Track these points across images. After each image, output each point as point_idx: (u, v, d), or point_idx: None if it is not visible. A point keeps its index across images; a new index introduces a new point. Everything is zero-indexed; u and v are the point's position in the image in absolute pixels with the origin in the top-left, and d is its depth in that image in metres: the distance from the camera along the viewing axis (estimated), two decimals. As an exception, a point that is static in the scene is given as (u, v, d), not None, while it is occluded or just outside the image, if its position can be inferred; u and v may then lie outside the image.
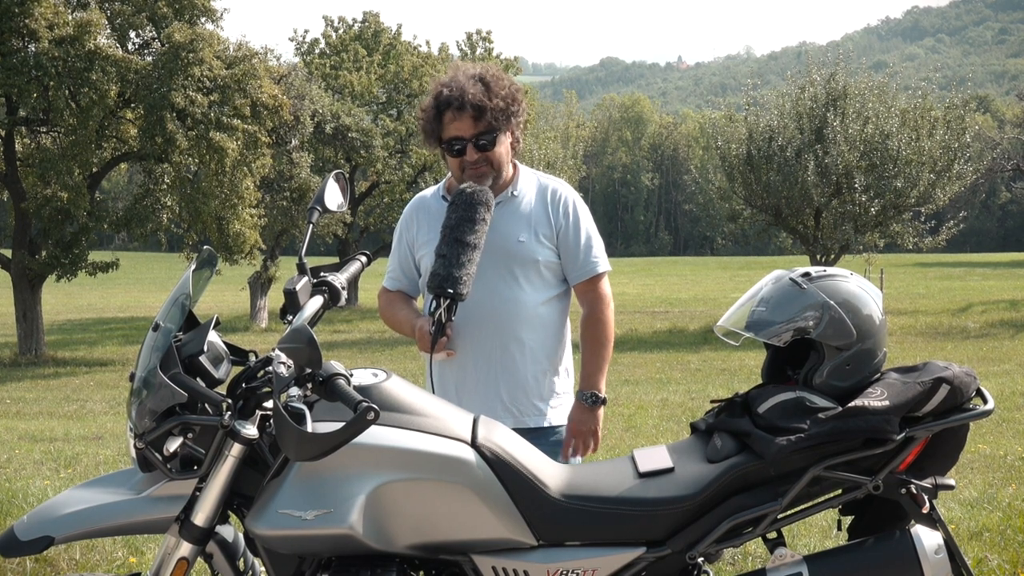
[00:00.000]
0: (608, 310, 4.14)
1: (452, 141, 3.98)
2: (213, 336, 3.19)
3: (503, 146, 4.02)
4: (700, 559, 3.12)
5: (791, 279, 3.29)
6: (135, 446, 3.02)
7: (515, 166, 4.19)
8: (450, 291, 3.69)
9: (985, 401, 3.20)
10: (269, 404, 3.05)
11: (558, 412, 4.12)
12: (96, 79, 21.85)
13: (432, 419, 3.10)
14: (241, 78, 23.75)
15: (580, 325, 4.17)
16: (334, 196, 3.53)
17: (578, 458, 4.10)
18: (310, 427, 2.71)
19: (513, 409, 4.02)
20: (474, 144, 3.95)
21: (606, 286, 4.18)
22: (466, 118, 3.92)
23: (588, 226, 4.14)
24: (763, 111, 29.28)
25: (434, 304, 3.79)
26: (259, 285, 34.66)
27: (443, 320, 3.77)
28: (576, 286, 4.14)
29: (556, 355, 4.14)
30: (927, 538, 3.12)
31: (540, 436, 3.94)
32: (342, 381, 2.80)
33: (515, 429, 3.72)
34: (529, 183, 4.16)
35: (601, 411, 4.12)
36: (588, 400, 4.06)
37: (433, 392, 3.99)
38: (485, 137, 3.95)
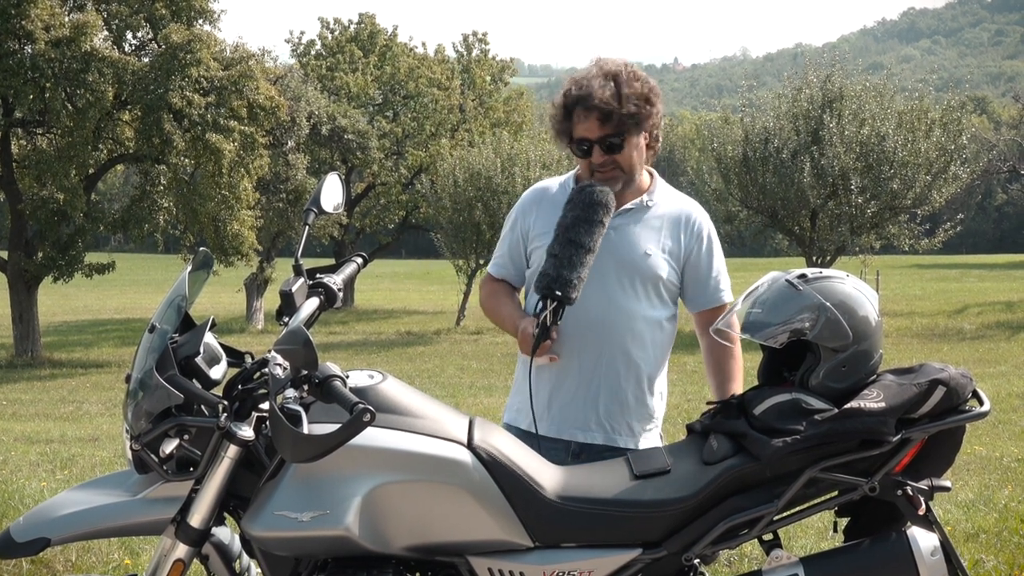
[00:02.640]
0: (738, 340, 3.85)
1: (580, 142, 3.80)
2: (209, 338, 3.19)
3: (633, 149, 3.81)
4: (696, 560, 3.12)
5: (787, 281, 3.28)
6: (131, 448, 3.02)
7: (652, 175, 4.01)
8: (558, 293, 3.55)
9: (981, 403, 3.20)
10: (265, 406, 3.05)
11: (649, 437, 3.92)
12: (92, 80, 21.87)
13: (428, 421, 3.10)
14: (238, 79, 23.77)
15: (707, 353, 3.97)
16: (330, 198, 3.50)
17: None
18: (306, 429, 2.70)
19: (607, 425, 3.83)
20: (600, 146, 3.78)
21: None
22: (592, 119, 3.74)
23: (719, 257, 3.97)
24: (759, 113, 29.27)
25: (540, 306, 3.63)
26: (255, 287, 34.68)
27: (548, 323, 3.61)
28: (700, 313, 3.96)
29: (657, 378, 3.93)
30: (923, 540, 3.12)
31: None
32: (338, 383, 2.79)
33: (604, 446, 3.68)
34: (666, 198, 3.97)
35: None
36: None
37: (531, 401, 3.80)
38: (612, 139, 3.76)
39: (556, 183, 4.03)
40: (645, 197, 3.90)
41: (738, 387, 3.89)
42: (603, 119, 3.72)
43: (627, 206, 3.86)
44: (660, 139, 3.95)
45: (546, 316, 3.58)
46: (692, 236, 3.90)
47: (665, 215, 3.91)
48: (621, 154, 3.78)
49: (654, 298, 3.85)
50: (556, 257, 3.60)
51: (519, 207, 4.09)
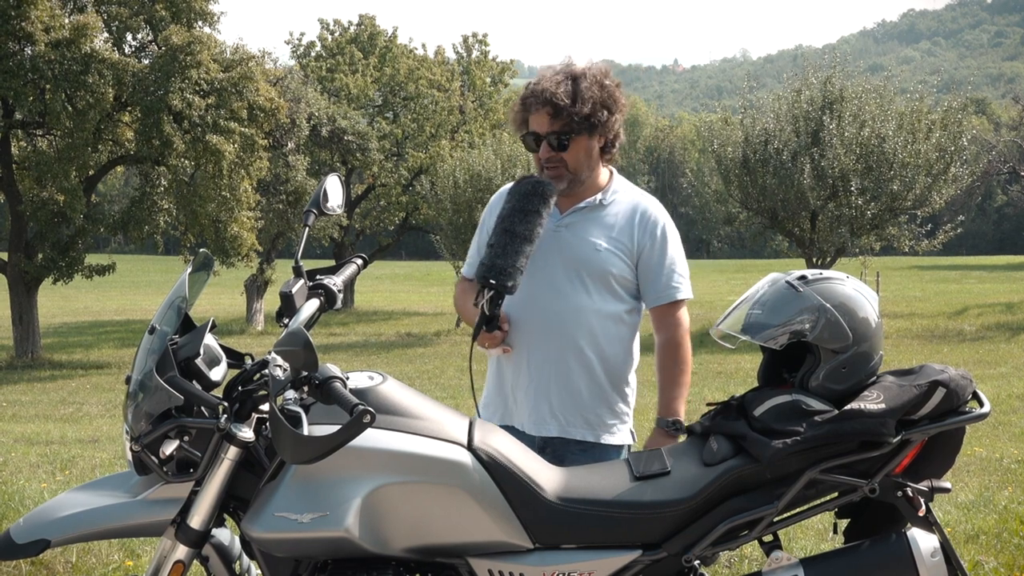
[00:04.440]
0: (686, 336, 3.97)
1: (531, 135, 3.88)
2: (209, 339, 3.19)
3: (581, 150, 3.86)
4: (696, 562, 3.12)
5: (787, 282, 3.28)
6: (131, 449, 3.02)
7: (611, 173, 4.06)
8: (493, 282, 3.61)
9: (981, 404, 3.20)
10: (265, 407, 3.05)
11: (613, 431, 3.96)
12: (93, 82, 21.87)
13: (428, 422, 3.10)
14: (238, 81, 23.78)
15: (656, 351, 3.99)
16: (330, 199, 3.49)
17: None
18: (306, 430, 2.70)
19: (560, 417, 3.88)
20: (548, 141, 3.84)
21: (684, 314, 4.01)
22: (544, 113, 3.81)
23: (674, 251, 3.99)
24: (759, 114, 29.24)
25: (479, 295, 3.69)
26: (255, 288, 34.68)
27: (486, 311, 3.68)
28: (653, 309, 3.98)
29: (617, 372, 3.97)
30: (923, 541, 3.12)
31: (588, 451, 3.86)
32: (338, 384, 2.79)
33: (561, 439, 3.70)
34: (622, 196, 4.01)
35: (681, 439, 3.90)
36: (670, 427, 3.90)
37: (472, 386, 3.93)
38: (561, 137, 3.82)
39: None
40: (600, 195, 3.96)
41: (679, 400, 3.97)
42: (554, 115, 3.79)
43: (580, 204, 3.93)
44: (617, 147, 4.00)
45: (483, 304, 3.65)
46: (645, 232, 3.94)
47: (620, 212, 3.96)
48: (567, 152, 3.85)
49: (605, 293, 3.90)
50: (492, 247, 3.68)
51: (487, 209, 4.18)
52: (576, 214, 3.91)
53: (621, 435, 3.99)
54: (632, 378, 4.06)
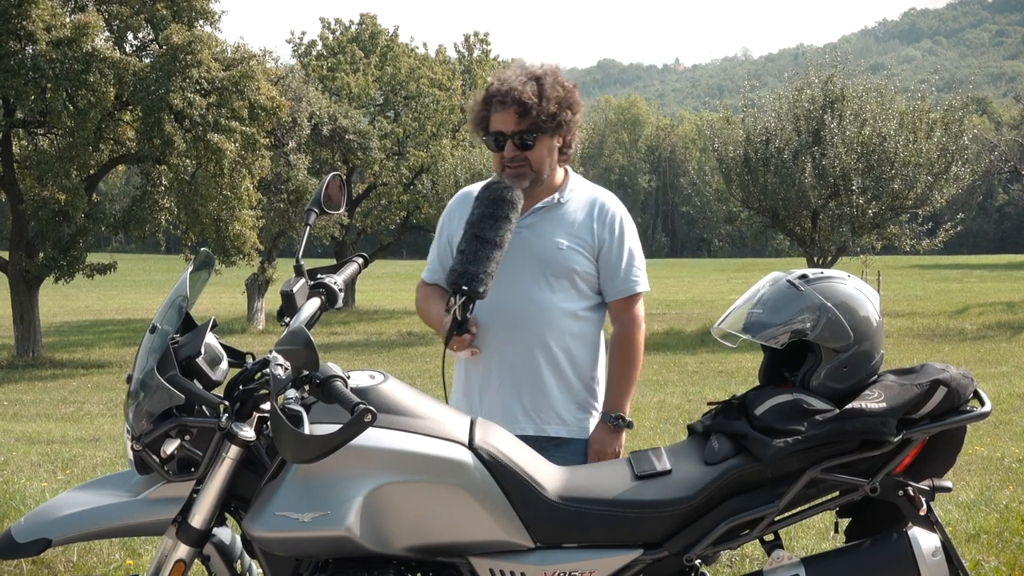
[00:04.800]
0: (640, 333, 4.04)
1: (495, 135, 3.91)
2: (210, 338, 3.19)
3: (545, 149, 3.92)
4: (697, 561, 3.12)
5: (788, 281, 3.29)
6: (132, 448, 3.02)
7: (566, 172, 4.12)
8: (465, 288, 3.64)
9: (982, 403, 3.21)
10: (266, 406, 3.05)
11: (583, 426, 4.02)
12: (94, 81, 21.84)
13: (429, 421, 3.10)
14: (239, 80, 23.75)
15: (610, 345, 4.08)
16: (331, 198, 3.51)
17: None
18: (307, 429, 2.70)
19: (534, 416, 3.94)
20: (513, 141, 3.88)
21: (640, 308, 4.08)
22: (509, 113, 3.85)
23: (632, 244, 4.06)
24: (760, 113, 29.27)
25: (450, 301, 3.72)
26: (256, 287, 34.66)
27: (458, 317, 3.72)
28: (611, 303, 4.05)
29: (585, 368, 4.03)
30: (924, 540, 3.12)
31: (562, 447, 3.90)
32: (339, 383, 2.79)
33: (536, 437, 3.72)
34: (578, 192, 4.08)
35: (624, 434, 4.02)
36: (612, 422, 3.96)
37: (444, 390, 3.95)
38: (526, 136, 3.87)
39: (478, 187, 4.09)
40: (557, 194, 4.02)
41: (626, 396, 4.02)
42: (521, 114, 3.84)
43: (539, 205, 3.98)
44: (574, 148, 4.07)
45: (455, 310, 3.68)
46: (604, 225, 4.01)
47: (578, 208, 4.03)
48: (532, 152, 3.90)
49: (570, 290, 3.97)
50: (463, 253, 3.70)
51: (445, 213, 4.24)
52: (536, 214, 3.96)
53: (590, 426, 4.05)
54: (600, 372, 4.12)
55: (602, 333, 4.13)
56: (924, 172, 26.98)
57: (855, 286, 3.29)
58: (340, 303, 3.38)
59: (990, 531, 6.21)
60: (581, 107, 4.02)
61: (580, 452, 3.97)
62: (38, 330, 25.03)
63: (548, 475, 3.19)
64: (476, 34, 47.30)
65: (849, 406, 3.08)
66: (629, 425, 4.00)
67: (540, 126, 3.86)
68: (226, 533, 3.29)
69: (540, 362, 3.94)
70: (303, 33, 46.74)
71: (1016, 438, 10.73)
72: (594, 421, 4.04)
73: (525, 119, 3.84)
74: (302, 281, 3.29)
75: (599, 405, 4.08)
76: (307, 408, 2.85)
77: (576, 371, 4.00)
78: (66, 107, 22.09)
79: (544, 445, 3.78)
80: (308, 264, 3.38)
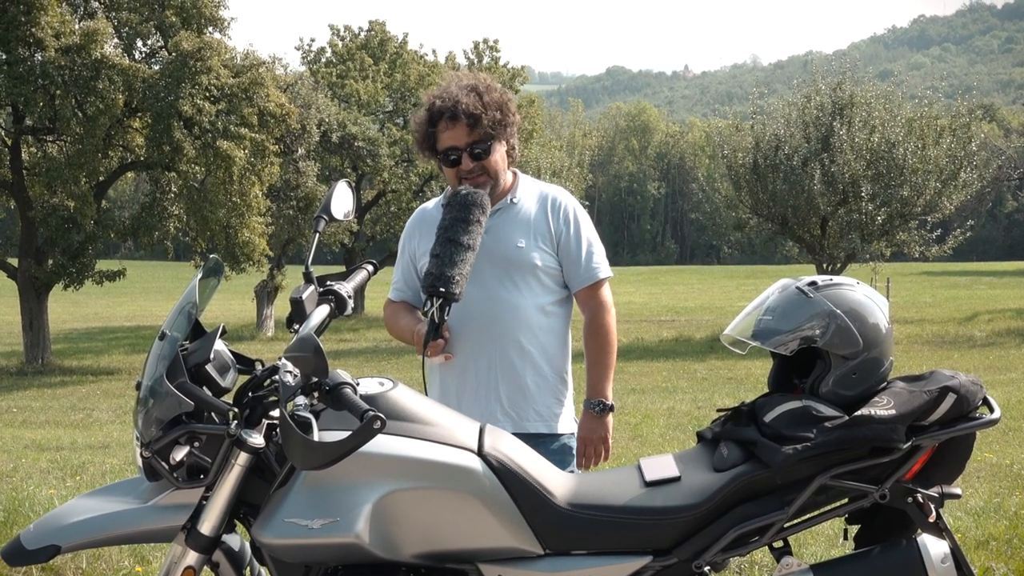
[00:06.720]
0: (610, 317, 4.14)
1: (448, 152, 4.00)
2: (219, 345, 3.20)
3: (498, 154, 4.05)
4: (707, 568, 3.12)
5: (797, 288, 3.29)
6: (141, 455, 3.03)
7: (515, 174, 4.22)
8: (442, 290, 3.69)
9: (991, 410, 3.20)
10: (276, 413, 3.06)
11: (561, 420, 4.12)
12: (103, 88, 21.87)
13: (438, 428, 3.10)
14: (248, 87, 23.77)
15: (583, 333, 4.17)
16: (340, 205, 3.53)
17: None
18: (316, 436, 2.71)
19: (512, 414, 4.02)
20: (469, 153, 3.98)
21: (607, 293, 4.18)
22: (460, 127, 3.96)
23: (589, 233, 4.16)
24: (769, 120, 29.27)
25: (427, 305, 3.78)
26: (265, 294, 34.68)
27: (436, 320, 3.78)
28: (577, 293, 4.15)
29: (557, 362, 4.13)
30: (933, 547, 3.12)
31: (542, 442, 3.94)
32: (348, 390, 2.80)
33: (516, 434, 3.74)
34: (529, 191, 4.18)
35: (610, 418, 4.14)
36: (596, 408, 4.08)
37: (426, 395, 3.96)
38: (480, 146, 3.98)
39: (433, 203, 4.24)
40: (509, 196, 4.12)
41: (606, 380, 4.12)
42: (471, 126, 3.95)
43: (494, 208, 4.04)
44: (517, 148, 4.20)
45: (433, 313, 3.76)
46: (560, 219, 4.11)
47: (531, 206, 4.13)
48: (488, 160, 4.00)
49: (535, 287, 4.06)
50: (438, 257, 3.76)
51: (405, 232, 4.33)
52: (492, 218, 4.00)
53: (567, 422, 4.16)
54: (569, 365, 4.22)
55: (570, 326, 4.21)
56: (933, 179, 26.97)
57: (864, 293, 3.29)
58: (349, 310, 3.40)
59: (999, 538, 6.20)
60: (515, 108, 4.16)
61: (557, 446, 4.07)
62: (47, 337, 25.06)
63: (557, 482, 3.19)
64: (485, 41, 47.21)
65: (858, 413, 3.08)
66: (611, 409, 4.12)
67: (491, 134, 3.98)
68: (235, 540, 3.29)
69: (514, 360, 4.02)
70: (312, 40, 46.96)
71: (1026, 445, 10.71)
72: (566, 412, 4.15)
73: (476, 130, 3.96)
74: (311, 288, 3.30)
75: (568, 398, 4.18)
76: (316, 415, 2.85)
77: (550, 364, 4.10)
78: (75, 114, 22.13)
79: (524, 442, 3.82)
80: (317, 271, 3.39)
